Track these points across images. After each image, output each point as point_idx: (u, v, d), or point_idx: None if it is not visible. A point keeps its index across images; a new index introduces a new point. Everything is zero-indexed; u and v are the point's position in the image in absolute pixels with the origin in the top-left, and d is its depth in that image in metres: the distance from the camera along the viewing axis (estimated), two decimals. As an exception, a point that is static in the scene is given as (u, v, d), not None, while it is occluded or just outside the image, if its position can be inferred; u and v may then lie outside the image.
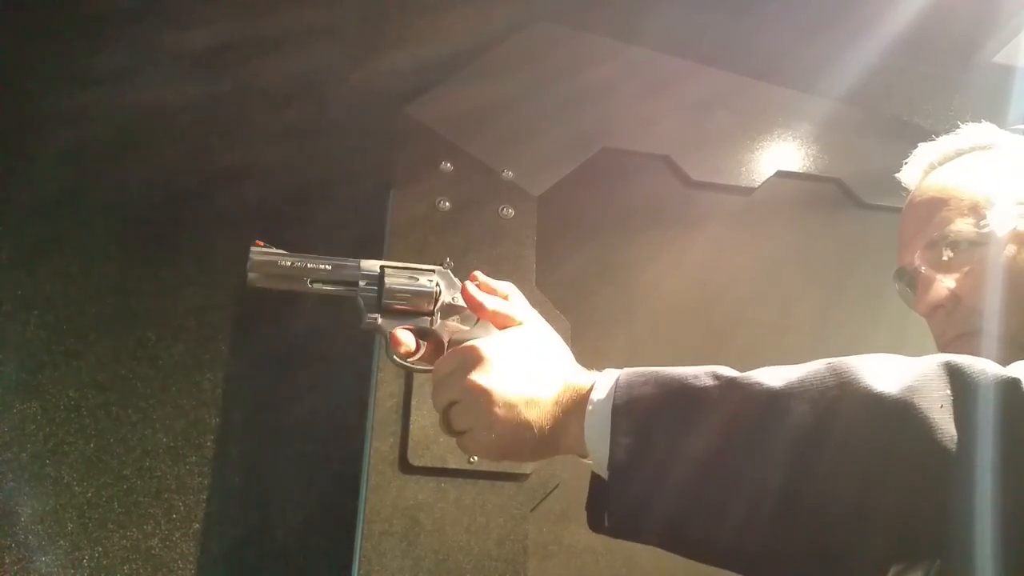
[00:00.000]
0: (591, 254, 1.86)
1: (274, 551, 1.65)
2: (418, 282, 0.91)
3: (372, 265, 0.92)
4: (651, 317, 1.85)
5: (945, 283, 0.93)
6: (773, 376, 0.70)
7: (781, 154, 2.03)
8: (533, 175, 1.84)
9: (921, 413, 0.64)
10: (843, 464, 0.66)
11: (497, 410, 0.78)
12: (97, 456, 1.64)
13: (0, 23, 1.83)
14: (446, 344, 0.89)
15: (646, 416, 0.73)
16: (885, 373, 0.66)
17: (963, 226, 0.92)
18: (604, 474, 0.74)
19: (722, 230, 1.94)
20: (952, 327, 0.93)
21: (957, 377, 0.66)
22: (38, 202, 1.77)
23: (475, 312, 0.88)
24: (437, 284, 0.91)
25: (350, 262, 0.91)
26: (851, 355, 0.70)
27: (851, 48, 1.96)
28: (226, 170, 1.82)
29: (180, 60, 1.87)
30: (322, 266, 0.90)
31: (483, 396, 0.78)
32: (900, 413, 0.64)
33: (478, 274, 0.90)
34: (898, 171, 1.06)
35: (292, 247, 0.91)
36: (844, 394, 0.66)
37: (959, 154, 1.01)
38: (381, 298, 0.90)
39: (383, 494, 1.54)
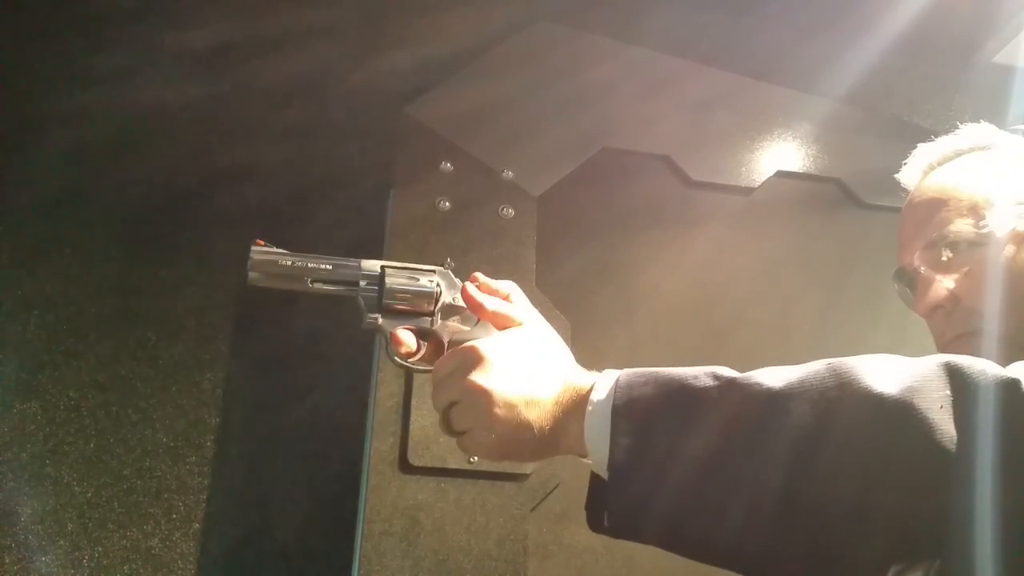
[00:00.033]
0: (591, 254, 1.86)
1: (274, 551, 1.65)
2: (419, 282, 0.91)
3: (373, 265, 0.92)
4: (651, 317, 1.85)
5: (944, 283, 0.93)
6: (773, 376, 0.70)
7: (781, 154, 2.03)
8: (533, 175, 1.84)
9: (921, 413, 0.64)
10: (843, 464, 0.66)
11: (497, 410, 0.78)
12: (97, 456, 1.64)
13: (0, 23, 1.83)
14: (446, 344, 0.89)
15: (646, 416, 0.73)
16: (885, 373, 0.66)
17: (962, 226, 0.93)
18: (604, 474, 0.74)
19: (722, 230, 1.94)
20: (951, 327, 0.93)
21: (957, 377, 0.66)
22: (38, 202, 1.77)
23: (475, 312, 0.88)
24: (437, 284, 0.91)
25: (351, 262, 0.91)
26: (851, 355, 0.70)
27: (851, 48, 1.96)
28: (226, 170, 1.82)
29: (180, 60, 1.87)
30: (323, 266, 0.90)
31: (483, 396, 0.78)
32: (900, 413, 0.64)
33: (479, 275, 0.90)
34: (898, 171, 1.06)
35: (292, 247, 0.91)
36: (844, 394, 0.66)
37: (958, 155, 1.01)
38: (382, 298, 0.90)
39: (383, 494, 1.54)
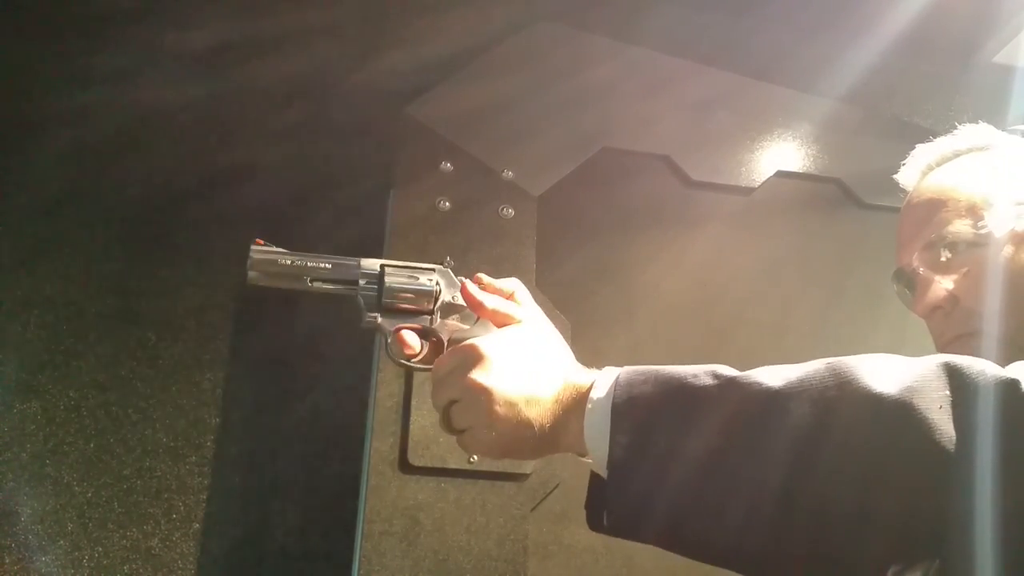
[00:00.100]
0: (591, 254, 1.86)
1: (274, 551, 1.65)
2: (418, 281, 0.91)
3: (372, 264, 0.92)
4: (651, 317, 1.85)
5: (943, 284, 0.93)
6: (773, 376, 0.70)
7: (781, 154, 2.03)
8: (533, 175, 1.84)
9: (920, 413, 0.64)
10: (842, 464, 0.66)
11: (497, 408, 0.78)
12: (97, 456, 1.64)
13: (0, 23, 1.83)
14: (446, 343, 0.89)
15: (646, 415, 0.73)
16: (884, 373, 0.66)
17: (961, 227, 0.92)
18: (603, 473, 0.74)
19: (722, 230, 1.94)
20: (951, 328, 0.93)
21: (956, 378, 0.66)
22: (38, 202, 1.77)
23: (474, 311, 0.88)
24: (437, 283, 0.91)
25: (350, 261, 0.91)
26: (851, 355, 0.70)
27: (851, 48, 1.96)
28: (226, 170, 1.82)
29: (180, 60, 1.87)
30: (322, 265, 0.90)
31: (483, 394, 0.78)
32: (899, 413, 0.64)
33: (482, 276, 0.90)
34: (898, 171, 1.06)
35: (292, 247, 0.91)
36: (843, 394, 0.66)
37: (957, 155, 1.01)
38: (381, 297, 0.90)
39: (383, 494, 1.54)
